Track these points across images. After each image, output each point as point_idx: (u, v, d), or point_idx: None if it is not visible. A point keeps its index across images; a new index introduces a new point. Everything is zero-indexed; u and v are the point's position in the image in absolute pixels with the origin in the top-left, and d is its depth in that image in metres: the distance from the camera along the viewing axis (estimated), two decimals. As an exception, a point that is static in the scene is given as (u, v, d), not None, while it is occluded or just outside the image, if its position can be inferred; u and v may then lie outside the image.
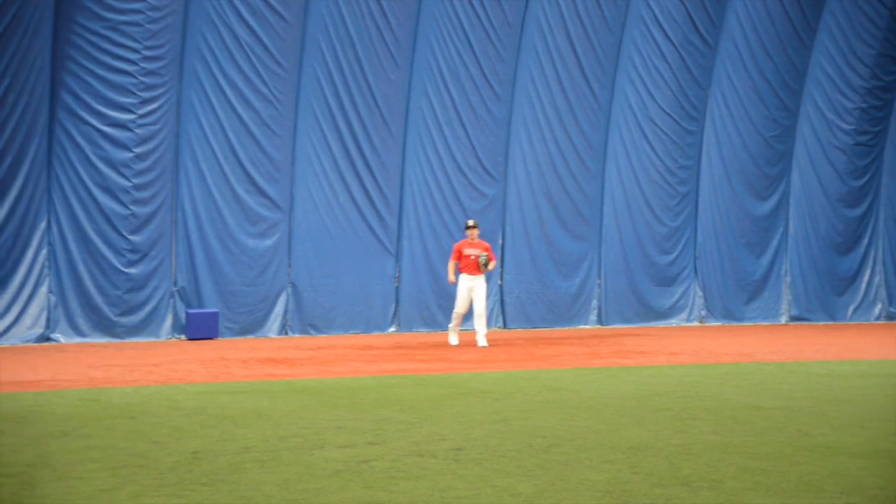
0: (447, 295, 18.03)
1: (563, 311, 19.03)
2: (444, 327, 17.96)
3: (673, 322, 19.67)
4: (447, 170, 18.05)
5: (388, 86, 17.41)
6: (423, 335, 17.37)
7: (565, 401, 9.86)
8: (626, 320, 19.35)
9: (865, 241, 20.72)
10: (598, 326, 19.16)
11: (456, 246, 15.46)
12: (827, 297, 20.56)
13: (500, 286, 18.60)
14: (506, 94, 18.31)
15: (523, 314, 18.71)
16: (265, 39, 16.34)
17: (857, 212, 20.65)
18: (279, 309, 16.83)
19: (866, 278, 20.74)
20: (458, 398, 10.03)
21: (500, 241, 18.59)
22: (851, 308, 20.65)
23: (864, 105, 20.30)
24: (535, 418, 8.84)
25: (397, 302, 17.83)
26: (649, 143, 19.36)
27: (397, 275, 17.84)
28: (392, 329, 17.77)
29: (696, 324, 19.80)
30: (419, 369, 12.62)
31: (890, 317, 20.75)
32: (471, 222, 15.49)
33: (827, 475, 6.67)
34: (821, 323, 20.32)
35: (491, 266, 15.19)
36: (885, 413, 9.25)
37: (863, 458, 7.20)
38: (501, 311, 18.59)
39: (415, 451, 7.37)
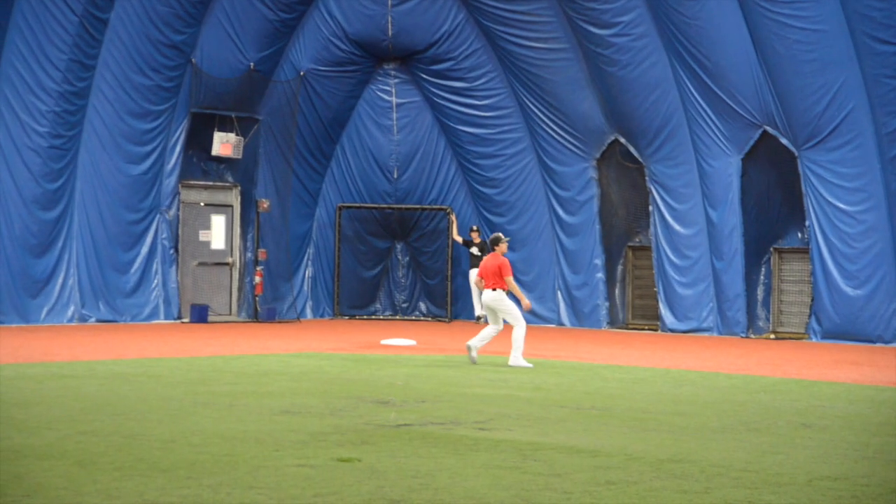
0: None
1: None
2: None
3: None
4: None
5: None
6: None
7: None
8: None
9: (60, 243, 20.87)
10: None
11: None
12: (20, 299, 20.36)
13: None
14: None
15: None
16: None
17: (53, 214, 20.72)
18: None
19: (60, 280, 20.90)
20: None
21: None
22: (45, 310, 20.67)
23: (57, 109, 20.43)
24: None
25: None
26: None
27: None
28: None
29: None
30: None
31: (83, 318, 21.10)
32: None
33: (10, 478, 6.64)
34: (14, 325, 20.06)
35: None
36: (73, 414, 9.44)
37: (48, 459, 7.29)
38: None
39: None
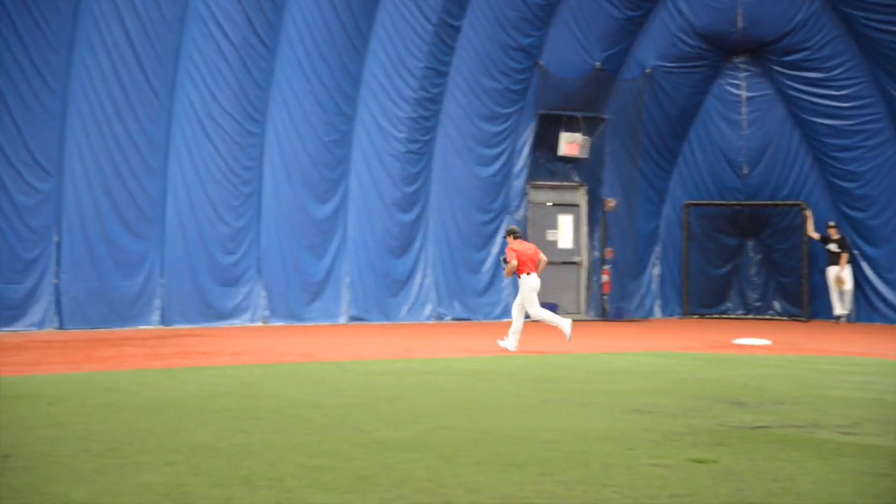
0: None
1: (124, 311, 18.53)
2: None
3: (236, 322, 19.72)
4: (-5, 162, 17.09)
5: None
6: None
7: (125, 403, 9.61)
8: (189, 320, 19.16)
9: (417, 244, 21.80)
10: (160, 327, 18.82)
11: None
12: (382, 298, 21.43)
13: (56, 285, 17.80)
14: (59, 86, 17.56)
15: (82, 314, 18.02)
16: None
17: (410, 216, 21.70)
18: None
19: (418, 280, 21.84)
20: (6, 403, 9.48)
21: (57, 239, 17.78)
22: (405, 308, 21.66)
23: (414, 115, 21.37)
24: (91, 422, 8.54)
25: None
26: (212, 142, 19.30)
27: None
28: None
29: (259, 324, 19.96)
30: (-37, 375, 11.79)
31: (439, 317, 21.97)
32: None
33: (380, 469, 6.96)
34: (377, 323, 21.15)
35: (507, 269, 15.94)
36: (434, 409, 9.80)
37: (413, 451, 7.59)
38: (57, 311, 17.80)
39: (-44, 464, 6.88)
